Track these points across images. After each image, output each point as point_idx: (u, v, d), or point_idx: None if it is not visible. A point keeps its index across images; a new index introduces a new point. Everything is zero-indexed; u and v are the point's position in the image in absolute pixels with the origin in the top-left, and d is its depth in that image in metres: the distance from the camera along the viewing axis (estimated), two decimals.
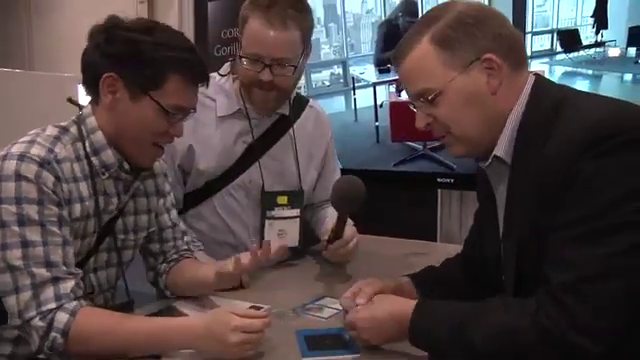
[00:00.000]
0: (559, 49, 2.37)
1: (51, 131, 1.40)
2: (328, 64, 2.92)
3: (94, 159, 1.41)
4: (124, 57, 1.36)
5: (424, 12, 2.60)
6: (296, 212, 1.94)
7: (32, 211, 1.28)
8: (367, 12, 2.82)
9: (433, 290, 1.46)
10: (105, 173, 1.42)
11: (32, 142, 1.34)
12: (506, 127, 1.22)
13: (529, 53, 2.34)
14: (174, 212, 1.69)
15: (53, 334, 1.25)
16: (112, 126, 1.41)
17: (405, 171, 2.74)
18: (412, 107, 1.29)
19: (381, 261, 1.98)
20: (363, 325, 1.30)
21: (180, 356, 1.29)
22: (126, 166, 1.44)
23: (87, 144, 1.41)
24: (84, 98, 1.46)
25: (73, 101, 1.52)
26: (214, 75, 1.91)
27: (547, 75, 2.28)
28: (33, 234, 1.28)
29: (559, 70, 2.38)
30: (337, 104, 2.88)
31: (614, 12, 2.23)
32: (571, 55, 2.34)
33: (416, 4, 2.67)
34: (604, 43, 2.26)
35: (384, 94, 2.77)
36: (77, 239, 1.39)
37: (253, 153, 1.89)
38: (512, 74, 1.22)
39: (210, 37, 3.35)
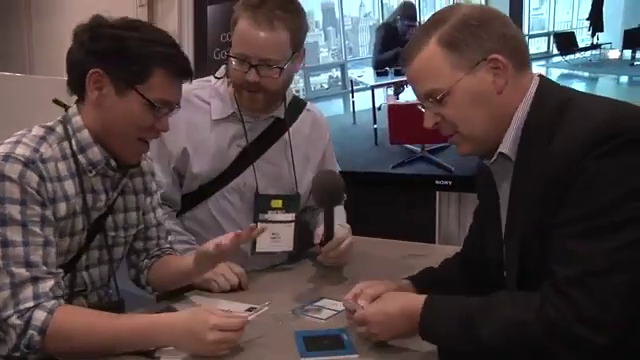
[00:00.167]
0: (555, 52, 2.39)
1: (37, 131, 1.41)
2: (327, 67, 2.92)
3: (81, 157, 1.42)
4: (110, 53, 1.37)
5: (422, 15, 2.65)
6: (291, 216, 1.90)
7: (14, 211, 1.29)
8: (365, 15, 2.83)
9: (432, 291, 1.47)
10: (92, 171, 1.43)
11: (17, 142, 1.35)
12: (511, 126, 1.25)
13: None
14: (159, 211, 1.69)
15: (30, 332, 1.26)
16: (98, 123, 1.42)
17: (403, 173, 2.75)
18: (420, 107, 1.32)
19: (380, 263, 1.98)
20: (374, 320, 1.32)
21: (175, 353, 1.30)
22: (113, 163, 1.46)
23: (73, 142, 1.42)
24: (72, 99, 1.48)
25: (59, 101, 1.52)
26: (210, 78, 1.92)
27: None
28: (14, 234, 1.29)
29: (555, 72, 2.39)
30: (335, 107, 2.89)
31: (610, 15, 2.25)
32: (567, 57, 2.36)
33: (414, 7, 2.69)
34: (600, 46, 2.27)
35: (382, 97, 2.78)
36: (65, 237, 1.40)
37: (247, 156, 1.88)
38: (517, 74, 1.24)
39: (209, 40, 3.36)
